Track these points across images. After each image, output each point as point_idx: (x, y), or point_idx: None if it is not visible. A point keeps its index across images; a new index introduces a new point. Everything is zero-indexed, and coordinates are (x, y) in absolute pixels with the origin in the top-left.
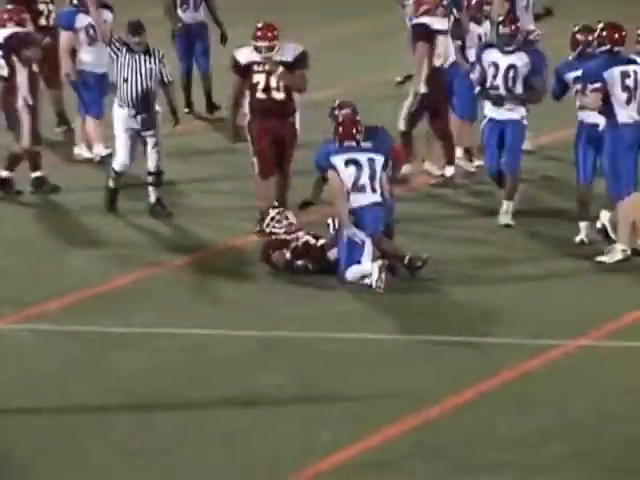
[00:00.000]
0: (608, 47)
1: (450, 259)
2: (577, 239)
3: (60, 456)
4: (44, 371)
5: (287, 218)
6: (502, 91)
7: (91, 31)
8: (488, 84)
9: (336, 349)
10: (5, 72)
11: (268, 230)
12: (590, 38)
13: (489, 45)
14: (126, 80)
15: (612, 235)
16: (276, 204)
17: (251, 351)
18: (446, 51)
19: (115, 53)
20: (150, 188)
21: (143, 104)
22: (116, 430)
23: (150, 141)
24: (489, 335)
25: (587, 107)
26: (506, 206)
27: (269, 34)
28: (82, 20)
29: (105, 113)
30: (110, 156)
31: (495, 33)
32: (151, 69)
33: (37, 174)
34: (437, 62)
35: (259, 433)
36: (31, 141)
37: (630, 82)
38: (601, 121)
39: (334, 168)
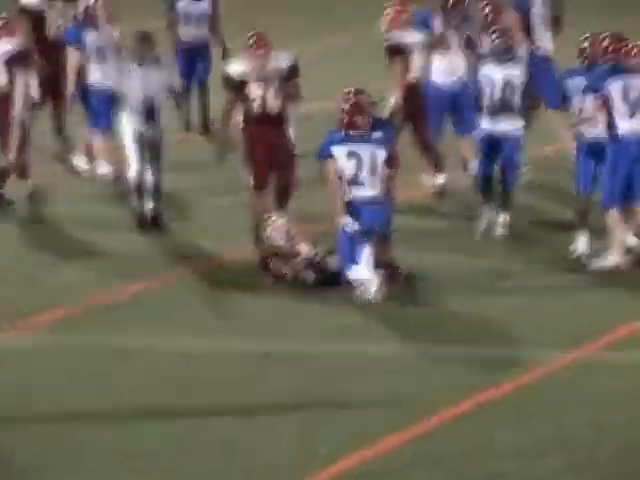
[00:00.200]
0: (610, 58)
1: (447, 270)
2: (572, 248)
3: (59, 460)
4: (41, 381)
5: (288, 228)
6: (499, 103)
7: (99, 48)
8: (485, 97)
9: (335, 360)
10: (3, 82)
11: (268, 240)
12: (595, 48)
13: (483, 58)
14: (136, 91)
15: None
16: (277, 214)
17: (250, 363)
18: (422, 65)
19: (123, 65)
20: (149, 200)
21: (152, 114)
22: (114, 436)
23: (154, 153)
24: (487, 346)
25: (587, 118)
26: (503, 218)
27: (263, 43)
28: (90, 36)
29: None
30: (116, 178)
31: (490, 46)
32: (160, 79)
33: (25, 185)
34: (412, 76)
35: (258, 444)
36: (17, 153)
37: (634, 94)
38: (602, 134)
39: (333, 158)
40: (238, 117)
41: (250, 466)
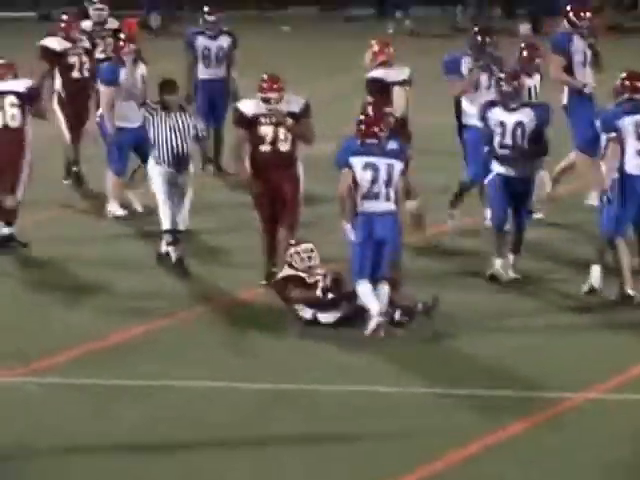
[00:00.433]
0: (626, 96)
1: (457, 309)
2: (585, 288)
3: None
4: (51, 423)
5: (311, 258)
6: (511, 149)
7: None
8: (496, 143)
9: (342, 401)
10: (17, 123)
11: (288, 262)
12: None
13: (493, 104)
14: (163, 139)
15: None
16: (305, 244)
17: (259, 403)
18: (403, 102)
19: (150, 113)
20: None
21: (181, 161)
22: (121, 472)
23: (181, 196)
24: (495, 387)
25: (607, 157)
26: (513, 260)
27: (276, 85)
28: (123, 74)
29: (127, 171)
30: (124, 218)
31: (497, 90)
32: (187, 126)
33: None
34: (394, 113)
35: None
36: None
37: None
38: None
39: (351, 168)
40: (246, 158)
41: None
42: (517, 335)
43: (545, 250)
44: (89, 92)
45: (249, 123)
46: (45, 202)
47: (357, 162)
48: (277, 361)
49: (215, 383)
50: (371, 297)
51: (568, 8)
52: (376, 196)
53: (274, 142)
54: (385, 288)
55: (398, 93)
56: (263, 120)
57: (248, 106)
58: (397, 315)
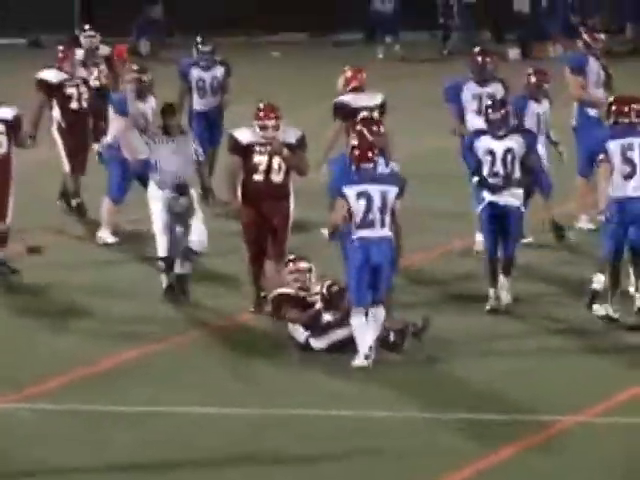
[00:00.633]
0: (612, 120)
1: (449, 332)
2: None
3: None
4: (43, 449)
5: (310, 279)
6: (502, 177)
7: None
8: (486, 172)
9: (333, 426)
10: (4, 150)
11: (286, 281)
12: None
13: (480, 132)
14: (166, 164)
15: None
16: (303, 263)
17: (251, 428)
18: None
19: (151, 137)
20: (180, 263)
21: (183, 185)
22: None
23: (185, 222)
24: (486, 411)
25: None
26: (508, 283)
27: (274, 113)
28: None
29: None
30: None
31: (485, 119)
32: (187, 151)
33: None
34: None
35: None
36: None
37: (633, 155)
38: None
39: (345, 197)
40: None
41: None
42: (508, 358)
43: (536, 273)
44: (88, 122)
45: (244, 151)
46: (37, 228)
47: (350, 192)
48: (270, 386)
49: (207, 408)
50: (363, 333)
51: (582, 30)
52: (371, 224)
53: (268, 172)
54: (381, 311)
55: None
56: (258, 149)
57: (243, 134)
58: (392, 337)
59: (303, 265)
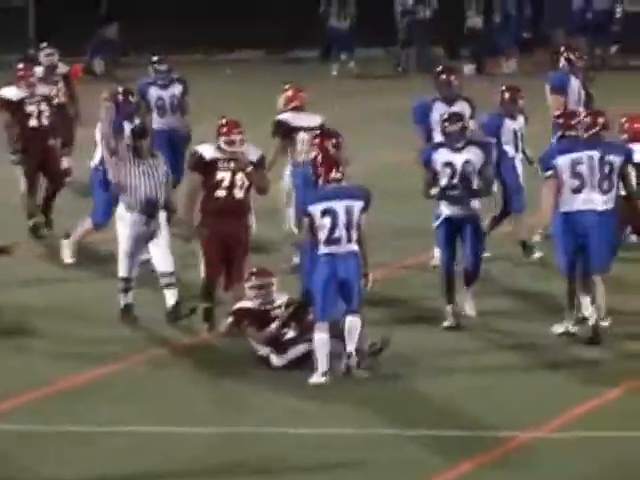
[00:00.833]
0: (559, 134)
1: (406, 350)
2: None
3: None
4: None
5: (270, 293)
6: (461, 189)
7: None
8: (444, 184)
9: (295, 443)
10: None
11: (247, 295)
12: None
13: (438, 145)
14: (135, 184)
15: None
16: (265, 277)
17: (210, 447)
18: (305, 148)
19: (122, 160)
20: (167, 291)
21: (153, 207)
22: None
23: (162, 242)
24: (446, 427)
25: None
26: (469, 293)
27: (237, 129)
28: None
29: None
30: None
31: (441, 132)
32: (158, 171)
33: None
34: (299, 158)
35: None
36: None
37: (582, 169)
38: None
39: (310, 216)
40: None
41: None
42: (468, 375)
43: (496, 287)
44: (47, 140)
45: (206, 167)
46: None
47: (315, 209)
48: (231, 404)
49: (167, 427)
50: (323, 349)
51: (563, 49)
52: (337, 240)
53: (230, 188)
54: (357, 320)
55: (302, 138)
56: (221, 165)
57: (207, 150)
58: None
59: (265, 279)
